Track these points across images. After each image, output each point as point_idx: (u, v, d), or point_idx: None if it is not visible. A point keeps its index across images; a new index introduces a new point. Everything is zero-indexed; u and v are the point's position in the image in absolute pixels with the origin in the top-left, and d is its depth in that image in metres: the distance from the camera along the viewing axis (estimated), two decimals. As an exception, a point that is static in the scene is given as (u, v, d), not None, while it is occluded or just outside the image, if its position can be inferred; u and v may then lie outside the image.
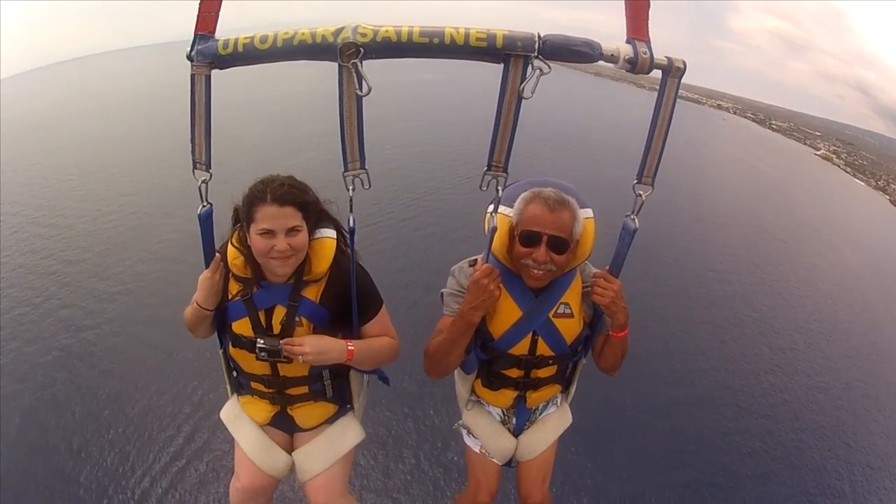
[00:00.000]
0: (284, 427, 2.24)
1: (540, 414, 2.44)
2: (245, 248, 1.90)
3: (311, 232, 1.92)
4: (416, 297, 7.91)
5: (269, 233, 1.79)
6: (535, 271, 1.91)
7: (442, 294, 2.12)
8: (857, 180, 41.22)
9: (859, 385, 8.39)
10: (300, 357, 1.85)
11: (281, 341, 1.89)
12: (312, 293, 1.96)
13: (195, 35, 1.57)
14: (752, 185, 23.78)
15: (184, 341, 5.90)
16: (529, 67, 1.49)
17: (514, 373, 2.18)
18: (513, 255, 1.97)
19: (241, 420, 2.23)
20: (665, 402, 6.76)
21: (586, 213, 1.98)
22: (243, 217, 1.87)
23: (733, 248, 13.43)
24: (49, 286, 8.77)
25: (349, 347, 1.95)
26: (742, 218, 16.70)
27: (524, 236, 1.88)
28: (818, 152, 50.58)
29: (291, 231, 1.81)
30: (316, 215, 1.94)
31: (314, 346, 1.87)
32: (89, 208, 12.01)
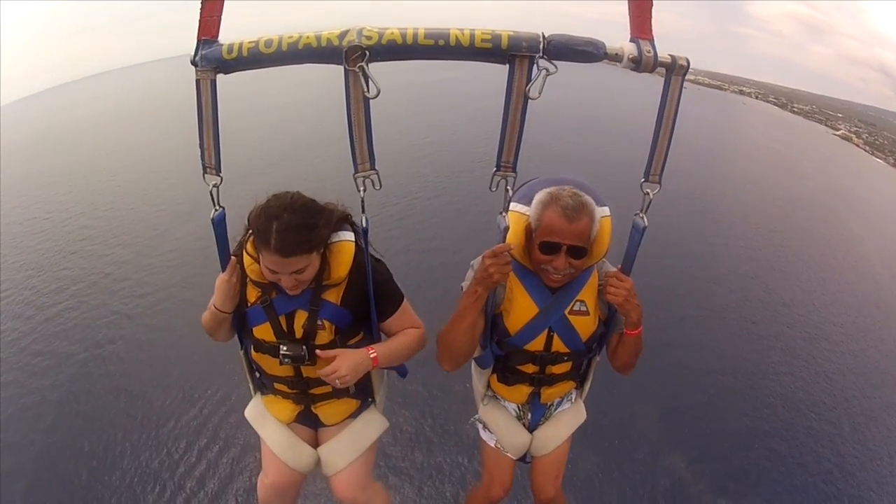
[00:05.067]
0: (309, 423, 2.20)
1: (555, 410, 2.37)
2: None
3: (327, 241, 1.82)
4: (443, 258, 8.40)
5: (275, 272, 1.71)
6: (555, 276, 1.87)
7: (462, 288, 2.03)
8: (875, 158, 39.38)
9: (860, 363, 8.03)
10: (338, 382, 1.78)
11: (319, 372, 1.81)
12: (333, 296, 1.87)
13: (198, 40, 1.50)
14: (762, 162, 22.79)
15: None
16: (535, 68, 1.44)
17: (529, 368, 2.12)
18: (531, 258, 1.92)
19: (266, 418, 2.18)
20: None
21: (603, 212, 1.90)
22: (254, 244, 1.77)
23: (738, 224, 13.02)
24: (103, 266, 9.30)
25: (372, 355, 1.88)
26: (747, 191, 16.31)
27: (543, 246, 1.83)
28: (837, 132, 48.42)
29: (298, 271, 1.71)
30: (329, 233, 1.82)
31: (349, 367, 1.79)
32: (135, 203, 12.51)
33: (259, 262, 1.76)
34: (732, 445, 5.84)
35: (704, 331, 7.91)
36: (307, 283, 1.79)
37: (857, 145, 43.84)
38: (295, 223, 1.63)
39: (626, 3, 1.52)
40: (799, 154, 28.14)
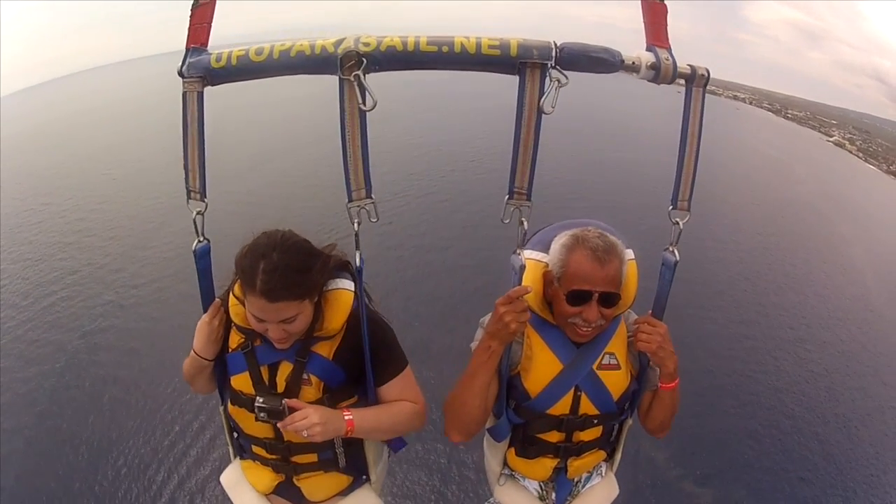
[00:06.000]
0: (290, 497, 1.88)
1: (583, 487, 2.04)
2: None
3: (321, 288, 1.59)
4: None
5: (260, 320, 1.48)
6: (585, 329, 1.61)
7: (471, 349, 1.74)
8: (869, 165, 39.72)
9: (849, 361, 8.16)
10: (306, 432, 1.48)
11: (280, 424, 1.54)
12: (325, 349, 1.62)
13: (186, 49, 1.37)
14: (755, 166, 23.00)
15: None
16: (547, 79, 1.26)
17: (554, 437, 1.81)
18: (555, 311, 1.67)
19: (243, 487, 1.88)
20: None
21: (629, 255, 1.68)
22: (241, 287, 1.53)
23: (729, 226, 13.01)
24: (99, 257, 9.34)
25: (346, 417, 1.58)
26: (739, 194, 16.34)
27: (573, 296, 1.56)
28: (831, 139, 48.70)
29: (286, 320, 1.47)
30: (324, 280, 1.59)
31: (321, 416, 1.51)
32: (131, 196, 12.56)
33: (245, 306, 1.54)
34: (718, 441, 5.87)
35: (693, 330, 7.90)
36: (298, 336, 1.56)
37: (851, 152, 44.17)
38: (285, 263, 1.43)
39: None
40: (792, 159, 28.12)
